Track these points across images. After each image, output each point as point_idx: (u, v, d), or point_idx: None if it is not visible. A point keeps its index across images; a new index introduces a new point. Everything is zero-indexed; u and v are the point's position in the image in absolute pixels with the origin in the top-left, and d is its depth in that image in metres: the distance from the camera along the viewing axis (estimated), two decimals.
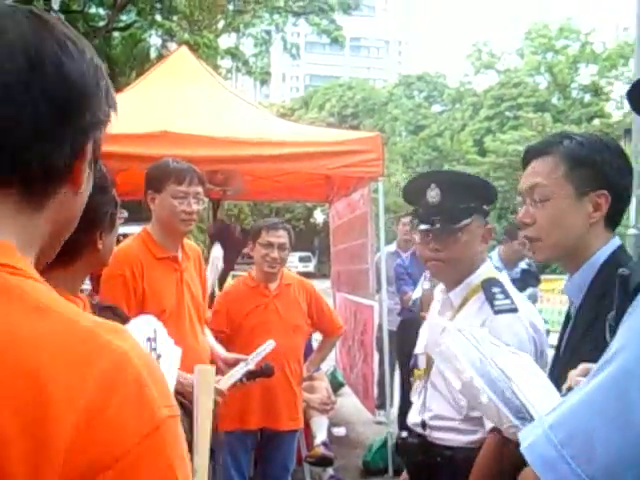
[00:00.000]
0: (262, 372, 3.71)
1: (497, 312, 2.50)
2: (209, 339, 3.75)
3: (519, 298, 2.64)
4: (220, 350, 3.71)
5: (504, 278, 2.82)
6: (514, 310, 2.51)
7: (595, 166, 1.90)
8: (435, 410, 2.63)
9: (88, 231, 1.94)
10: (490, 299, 2.54)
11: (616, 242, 1.96)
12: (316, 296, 4.60)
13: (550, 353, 2.24)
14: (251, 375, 3.57)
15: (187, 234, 3.61)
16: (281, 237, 4.34)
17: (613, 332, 1.28)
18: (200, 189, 3.50)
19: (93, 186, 1.04)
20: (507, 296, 2.55)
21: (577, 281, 1.97)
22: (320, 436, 5.60)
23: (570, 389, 1.45)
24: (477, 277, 2.65)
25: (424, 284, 5.08)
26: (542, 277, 7.16)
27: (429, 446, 2.63)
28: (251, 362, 3.59)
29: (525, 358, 1.80)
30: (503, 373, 1.70)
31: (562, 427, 1.17)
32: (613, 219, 1.95)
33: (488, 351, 1.78)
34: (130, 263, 3.41)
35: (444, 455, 2.56)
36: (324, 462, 5.62)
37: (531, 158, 2.02)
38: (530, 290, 5.35)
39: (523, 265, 5.83)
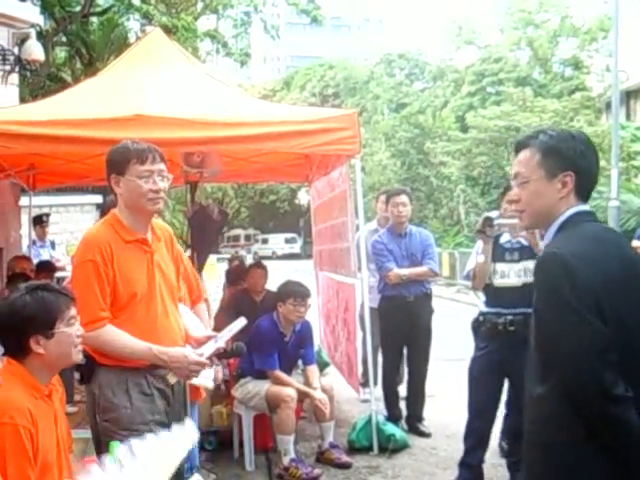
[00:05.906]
0: (233, 352, 3.67)
1: None
2: (185, 318, 3.70)
3: None
4: (193, 330, 3.67)
5: None
6: None
7: (561, 153, 2.43)
8: None
9: None
10: None
11: (578, 208, 2.46)
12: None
13: None
14: (222, 355, 3.54)
15: (157, 213, 3.56)
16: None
17: None
18: (163, 166, 3.47)
19: None
20: None
21: (546, 240, 2.50)
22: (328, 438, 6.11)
23: None
24: None
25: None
26: None
27: None
28: (220, 340, 3.56)
29: None
30: None
31: None
32: (583, 191, 2.47)
33: None
34: (100, 248, 3.36)
35: None
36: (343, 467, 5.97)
37: (519, 149, 2.56)
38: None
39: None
